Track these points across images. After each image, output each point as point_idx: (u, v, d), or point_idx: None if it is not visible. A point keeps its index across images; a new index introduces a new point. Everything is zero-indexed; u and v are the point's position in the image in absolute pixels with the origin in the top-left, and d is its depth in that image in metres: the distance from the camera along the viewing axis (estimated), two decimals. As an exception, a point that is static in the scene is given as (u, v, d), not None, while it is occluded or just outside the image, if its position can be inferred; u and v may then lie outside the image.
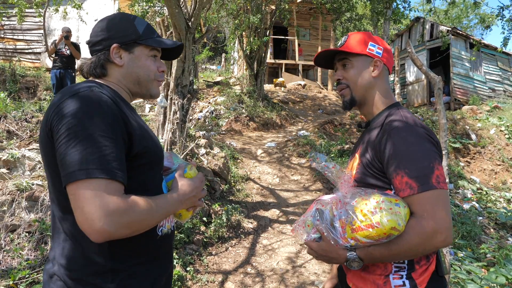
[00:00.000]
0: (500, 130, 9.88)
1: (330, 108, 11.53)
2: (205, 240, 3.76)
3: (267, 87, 12.43)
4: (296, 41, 13.96)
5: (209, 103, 10.11)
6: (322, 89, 13.77)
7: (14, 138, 4.58)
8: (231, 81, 12.69)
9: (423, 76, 13.34)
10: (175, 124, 4.17)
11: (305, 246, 1.17)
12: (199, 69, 14.10)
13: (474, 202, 6.38)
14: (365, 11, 14.31)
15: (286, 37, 14.46)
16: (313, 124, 9.14)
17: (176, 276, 2.95)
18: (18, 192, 3.19)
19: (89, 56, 1.17)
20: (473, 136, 9.21)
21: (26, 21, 10.87)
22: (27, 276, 2.58)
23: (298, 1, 13.21)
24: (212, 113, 9.26)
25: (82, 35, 11.62)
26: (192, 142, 4.57)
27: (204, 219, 3.96)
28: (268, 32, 10.50)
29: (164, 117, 4.40)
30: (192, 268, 3.22)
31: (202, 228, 3.88)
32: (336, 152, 6.82)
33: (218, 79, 13.10)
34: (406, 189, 1.03)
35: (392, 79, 12.07)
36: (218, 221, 3.94)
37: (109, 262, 0.98)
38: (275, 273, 3.44)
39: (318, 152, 1.26)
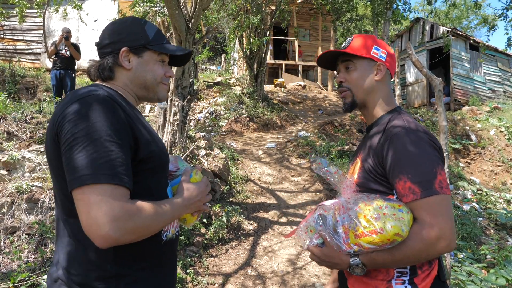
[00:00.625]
0: (500, 131, 9.89)
1: (330, 108, 11.53)
2: (205, 242, 3.75)
3: (267, 87, 12.43)
4: (296, 41, 13.95)
5: (209, 103, 10.10)
6: (322, 89, 13.76)
7: (14, 139, 4.57)
8: (231, 81, 12.69)
9: (423, 77, 13.34)
10: (175, 125, 4.16)
11: (307, 250, 1.16)
12: (199, 69, 14.09)
13: (474, 203, 6.38)
14: (366, 12, 14.32)
15: (286, 38, 14.46)
16: (313, 124, 9.14)
17: (176, 278, 2.94)
18: (18, 194, 3.19)
19: (90, 57, 1.16)
20: (473, 137, 9.21)
21: (26, 22, 10.86)
22: (26, 278, 2.57)
23: (298, 1, 13.20)
24: (212, 113, 9.26)
25: (82, 36, 11.61)
26: (192, 144, 4.57)
27: (204, 220, 3.96)
28: (268, 32, 10.50)
29: (164, 119, 4.40)
30: (192, 270, 3.22)
31: (202, 229, 3.88)
32: (336, 153, 6.82)
33: (218, 79, 13.10)
34: (409, 194, 1.02)
35: (392, 80, 12.07)
36: (218, 222, 3.94)
37: (114, 267, 0.98)
38: (275, 275, 3.43)
39: (319, 156, 1.24)
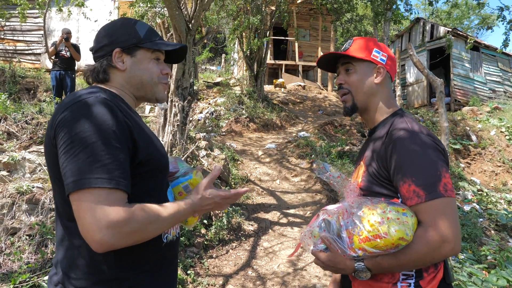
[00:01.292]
0: (501, 131, 9.89)
1: (330, 109, 11.53)
2: (205, 242, 3.75)
3: (267, 88, 12.43)
4: (296, 42, 13.95)
5: (209, 104, 10.10)
6: (322, 90, 13.76)
7: (14, 140, 4.57)
8: (231, 82, 12.68)
9: (423, 77, 13.34)
10: (176, 126, 4.16)
11: (312, 255, 1.16)
12: (199, 69, 14.09)
13: (474, 204, 6.38)
14: (366, 12, 14.31)
15: (286, 38, 14.45)
16: (313, 125, 9.14)
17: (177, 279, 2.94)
18: (19, 195, 3.19)
19: (90, 58, 1.16)
20: (474, 137, 9.20)
21: (26, 22, 10.85)
22: (27, 279, 2.57)
23: (298, 1, 13.20)
24: (212, 114, 9.26)
25: (82, 36, 11.61)
26: (193, 144, 4.57)
27: (205, 221, 3.96)
28: (268, 33, 10.50)
29: (164, 119, 4.40)
30: (193, 271, 3.21)
31: (203, 230, 3.87)
32: (336, 153, 6.81)
33: (218, 80, 13.10)
34: (414, 197, 1.02)
35: (393, 81, 12.06)
36: (219, 223, 3.93)
37: (114, 270, 0.97)
38: (276, 276, 3.43)
39: (319, 159, 1.24)
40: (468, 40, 10.10)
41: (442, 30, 13.05)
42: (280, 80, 13.21)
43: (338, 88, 1.28)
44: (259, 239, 4.13)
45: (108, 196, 0.87)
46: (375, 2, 8.32)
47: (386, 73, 1.22)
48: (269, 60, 13.04)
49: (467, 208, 6.09)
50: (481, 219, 5.73)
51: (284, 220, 4.64)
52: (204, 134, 5.51)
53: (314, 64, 14.66)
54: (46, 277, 2.51)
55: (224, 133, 8.26)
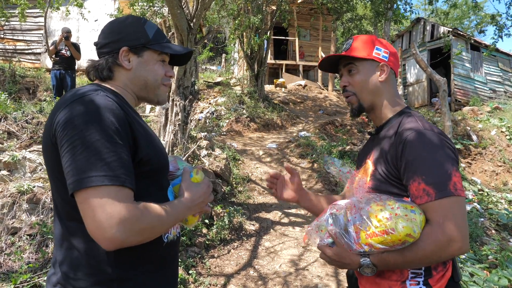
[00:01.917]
0: (501, 131, 9.88)
1: (331, 108, 11.52)
2: (207, 242, 3.74)
3: (268, 87, 12.42)
4: (297, 41, 13.94)
5: (209, 103, 10.09)
6: (323, 89, 13.75)
7: (15, 139, 4.56)
8: (231, 81, 12.67)
9: (424, 77, 13.34)
10: (177, 125, 4.15)
11: (317, 250, 1.15)
12: (199, 69, 14.08)
13: (475, 203, 6.37)
14: (366, 12, 14.31)
15: (287, 38, 14.44)
16: (314, 125, 9.12)
17: (178, 279, 2.93)
18: (19, 194, 3.17)
19: (91, 57, 1.15)
20: (474, 137, 9.20)
21: (26, 22, 10.83)
22: (28, 279, 2.56)
23: (298, 1, 13.19)
24: (213, 113, 9.25)
25: (82, 36, 11.59)
26: (194, 144, 4.55)
27: (206, 221, 3.94)
28: (268, 32, 10.49)
29: (165, 119, 4.38)
30: (195, 271, 3.20)
31: (204, 230, 3.86)
32: (337, 153, 6.80)
33: (219, 79, 13.08)
34: (424, 196, 1.01)
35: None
36: (220, 223, 3.92)
37: (115, 270, 0.96)
38: (278, 275, 3.42)
39: (332, 156, 1.24)
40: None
41: (442, 30, 13.04)
42: (280, 80, 13.20)
43: (342, 90, 1.26)
44: (261, 239, 4.12)
45: (117, 194, 0.86)
46: (375, 2, 8.32)
47: (389, 70, 1.20)
48: (270, 60, 13.04)
49: (468, 208, 6.09)
50: (482, 219, 5.72)
51: (285, 220, 4.63)
52: (205, 133, 5.50)
53: (315, 64, 14.68)
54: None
55: (224, 133, 8.25)
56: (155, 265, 1.04)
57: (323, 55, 14.15)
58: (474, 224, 5.16)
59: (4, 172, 3.52)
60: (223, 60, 16.68)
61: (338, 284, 3.30)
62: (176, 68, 4.22)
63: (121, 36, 1.08)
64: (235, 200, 4.83)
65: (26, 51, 11.86)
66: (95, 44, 1.13)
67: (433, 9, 7.80)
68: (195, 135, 5.07)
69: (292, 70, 14.64)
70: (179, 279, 2.92)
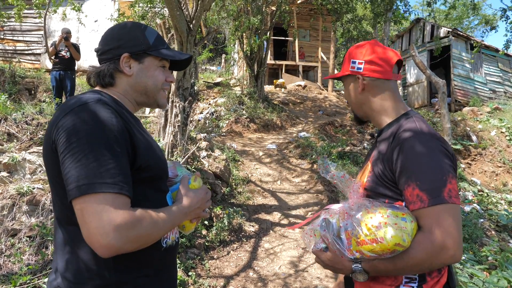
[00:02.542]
0: (501, 132, 9.88)
1: (331, 109, 11.52)
2: (206, 244, 3.74)
3: (267, 88, 12.41)
4: (297, 42, 13.94)
5: (209, 104, 10.09)
6: (323, 90, 13.75)
7: (15, 140, 4.56)
8: (231, 82, 12.67)
9: (424, 78, 13.34)
10: (176, 127, 4.15)
11: (313, 254, 1.16)
12: (199, 70, 14.07)
13: (475, 204, 6.37)
14: (366, 12, 14.31)
15: (286, 38, 14.44)
16: (314, 125, 9.13)
17: (178, 281, 2.93)
18: (19, 196, 3.17)
19: (91, 58, 1.16)
20: (474, 138, 9.20)
21: (26, 22, 10.85)
22: (28, 281, 2.56)
23: (298, 2, 13.19)
24: (213, 114, 9.25)
25: (82, 36, 11.60)
26: (193, 145, 4.55)
27: (206, 222, 3.94)
28: (268, 33, 10.49)
29: (165, 120, 4.39)
30: (194, 273, 3.20)
31: (204, 231, 3.86)
32: (336, 154, 6.80)
33: (218, 80, 13.08)
34: (417, 202, 1.00)
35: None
36: (220, 224, 3.92)
37: (114, 275, 0.97)
38: (277, 277, 3.42)
39: (326, 159, 1.24)
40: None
41: (442, 30, 13.05)
42: (280, 81, 13.20)
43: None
44: (260, 240, 4.12)
45: (114, 201, 0.87)
46: (374, 3, 8.32)
47: (366, 79, 1.20)
48: (269, 60, 13.03)
49: (467, 208, 6.09)
50: (481, 220, 5.72)
51: (285, 221, 4.63)
52: (205, 134, 5.50)
53: (315, 64, 14.68)
54: (47, 279, 2.50)
55: (224, 134, 8.25)
56: (153, 269, 1.05)
57: (323, 56, 14.17)
58: (473, 225, 5.16)
59: (4, 174, 3.52)
60: (222, 60, 16.68)
61: (338, 286, 3.31)
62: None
63: (122, 42, 1.09)
64: (234, 201, 4.83)
65: (26, 52, 11.86)
66: (96, 50, 1.14)
67: (430, 11, 7.80)
68: (194, 136, 5.07)
69: (292, 70, 14.64)
70: (178, 281, 2.92)
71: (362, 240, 1.01)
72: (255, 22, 8.88)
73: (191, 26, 4.17)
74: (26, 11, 7.48)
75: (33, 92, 9.08)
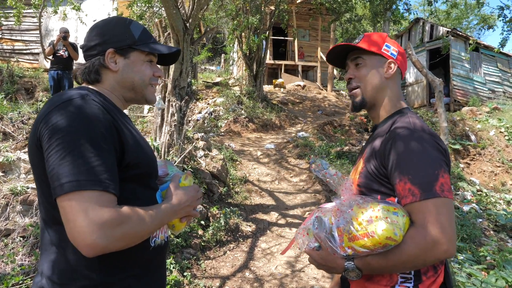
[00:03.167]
0: (500, 132, 9.86)
1: (330, 109, 11.50)
2: (202, 244, 3.72)
3: (267, 88, 12.40)
4: (296, 42, 13.92)
5: (208, 104, 10.07)
6: (322, 90, 13.73)
7: (10, 140, 4.54)
8: (230, 82, 12.65)
9: (423, 77, 13.31)
10: (173, 126, 4.13)
11: (306, 253, 1.14)
12: (198, 69, 14.06)
13: (473, 204, 6.35)
14: (365, 12, 14.29)
15: (286, 38, 14.42)
16: (313, 125, 9.11)
17: (173, 281, 2.91)
18: (13, 195, 3.15)
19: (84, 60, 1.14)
20: (473, 138, 9.18)
21: (24, 22, 10.82)
22: (20, 282, 2.54)
23: (297, 1, 13.17)
24: (211, 114, 9.23)
25: (80, 36, 11.57)
26: (190, 145, 4.53)
27: (202, 222, 3.92)
28: (267, 32, 10.47)
29: (161, 119, 4.36)
30: (189, 273, 3.18)
31: (200, 231, 3.84)
32: (335, 153, 6.78)
33: (218, 80, 13.07)
34: (409, 196, 0.99)
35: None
36: (216, 224, 3.90)
37: (99, 275, 0.95)
38: (274, 278, 3.39)
39: (319, 158, 1.23)
40: (470, 42, 10.07)
41: (441, 30, 13.03)
42: (279, 80, 13.18)
43: (347, 83, 1.26)
44: (257, 240, 4.10)
45: (98, 199, 0.85)
46: (374, 2, 8.30)
47: (396, 68, 1.19)
48: (269, 60, 13.02)
49: (466, 208, 6.07)
50: (480, 220, 5.71)
51: (282, 221, 4.61)
52: (202, 134, 5.48)
53: (314, 64, 14.65)
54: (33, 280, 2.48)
55: (222, 133, 8.23)
56: (141, 269, 1.03)
57: (322, 56, 14.14)
58: (472, 225, 5.14)
59: (-2, 173, 3.49)
60: (222, 60, 16.66)
61: (334, 286, 3.28)
62: (172, 69, 4.20)
63: (107, 38, 1.08)
64: (231, 201, 4.81)
65: (24, 51, 11.84)
66: (81, 47, 1.12)
67: (431, 10, 7.78)
68: (191, 136, 5.05)
69: (291, 70, 14.61)
70: (173, 281, 2.90)
71: (353, 235, 0.99)
72: (254, 22, 8.86)
73: (188, 24, 4.15)
74: (24, 10, 7.46)
75: (31, 91, 9.06)
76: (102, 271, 0.95)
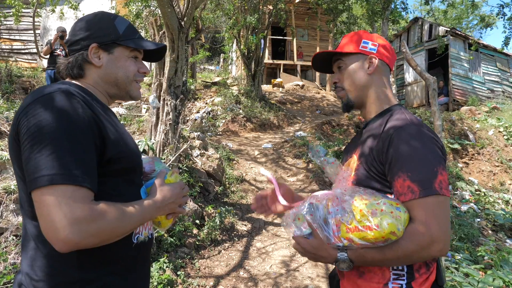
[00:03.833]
0: (499, 131, 9.84)
1: (328, 108, 11.48)
2: (197, 243, 3.70)
3: (265, 87, 12.38)
4: (294, 41, 13.91)
5: (206, 103, 10.05)
6: (320, 89, 13.72)
7: (6, 139, 4.52)
8: (228, 81, 12.64)
9: (422, 77, 13.28)
10: (168, 125, 4.11)
11: (293, 239, 1.11)
12: (197, 69, 14.04)
13: (472, 204, 6.33)
14: (363, 11, 14.28)
15: (284, 38, 14.41)
16: (311, 125, 9.09)
17: (166, 280, 2.89)
18: (6, 194, 3.14)
19: None
20: (472, 137, 9.16)
21: (23, 21, 10.81)
22: (12, 280, 2.52)
23: (296, 1, 13.16)
24: (209, 113, 9.21)
25: (79, 36, 11.56)
26: (185, 144, 4.51)
27: (197, 221, 3.91)
28: (266, 32, 10.46)
29: (156, 118, 4.35)
30: (183, 272, 3.16)
31: (195, 231, 3.82)
32: (333, 153, 6.77)
33: (217, 79, 13.05)
34: (408, 193, 0.99)
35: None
36: (211, 223, 3.89)
37: (78, 271, 0.93)
38: (268, 277, 3.38)
39: (317, 145, 1.23)
40: (470, 41, 10.05)
41: (440, 29, 13.01)
42: (278, 80, 13.17)
43: (334, 87, 1.29)
44: (252, 240, 4.08)
45: (73, 193, 0.84)
46: (371, 2, 8.28)
47: (379, 61, 1.19)
48: (267, 59, 13.01)
49: (464, 208, 6.05)
50: (478, 219, 5.69)
51: (278, 220, 4.59)
52: (199, 133, 5.46)
53: (312, 63, 14.63)
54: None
55: (220, 133, 8.22)
56: (123, 267, 1.01)
57: (321, 55, 14.10)
58: (470, 224, 5.12)
59: (-8, 172, 3.48)
60: (221, 60, 16.65)
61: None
62: (167, 67, 4.18)
63: (91, 32, 1.07)
64: (227, 200, 4.79)
65: (23, 51, 11.84)
66: (66, 42, 1.13)
67: (428, 10, 7.76)
68: (187, 135, 5.03)
69: (290, 70, 14.60)
70: (166, 280, 2.88)
71: (354, 226, 0.97)
72: (252, 21, 8.85)
73: (183, 23, 4.13)
74: (23, 10, 7.46)
75: (29, 91, 9.05)
76: (80, 267, 0.93)
